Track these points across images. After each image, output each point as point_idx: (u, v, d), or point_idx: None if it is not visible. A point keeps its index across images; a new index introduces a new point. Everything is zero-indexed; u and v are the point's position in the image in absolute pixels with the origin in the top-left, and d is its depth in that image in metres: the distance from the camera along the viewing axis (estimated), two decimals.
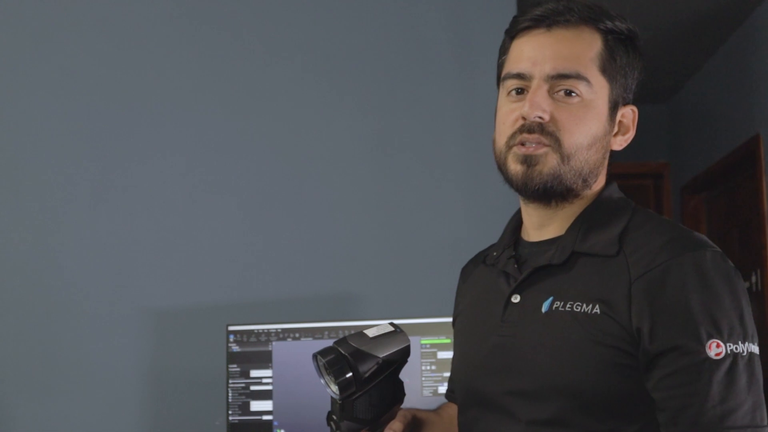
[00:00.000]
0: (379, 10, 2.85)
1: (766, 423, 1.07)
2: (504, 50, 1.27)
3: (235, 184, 2.74)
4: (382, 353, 1.20)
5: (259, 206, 2.74)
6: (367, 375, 1.19)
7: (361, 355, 1.19)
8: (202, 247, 2.70)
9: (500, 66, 1.27)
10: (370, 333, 1.23)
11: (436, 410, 1.41)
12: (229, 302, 2.66)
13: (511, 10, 2.87)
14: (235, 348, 2.32)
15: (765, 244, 3.60)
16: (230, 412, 2.31)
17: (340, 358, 1.19)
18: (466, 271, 1.43)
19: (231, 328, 2.33)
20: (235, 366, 2.31)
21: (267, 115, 2.78)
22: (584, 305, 1.12)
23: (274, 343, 2.29)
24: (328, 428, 1.27)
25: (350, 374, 1.18)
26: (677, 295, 1.07)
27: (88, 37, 2.78)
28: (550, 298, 1.17)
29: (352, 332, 1.25)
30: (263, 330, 2.31)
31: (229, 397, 2.31)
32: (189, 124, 2.76)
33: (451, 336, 1.64)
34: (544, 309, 1.17)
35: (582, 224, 1.20)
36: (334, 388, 1.19)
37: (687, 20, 3.71)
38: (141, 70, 2.77)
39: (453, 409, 1.39)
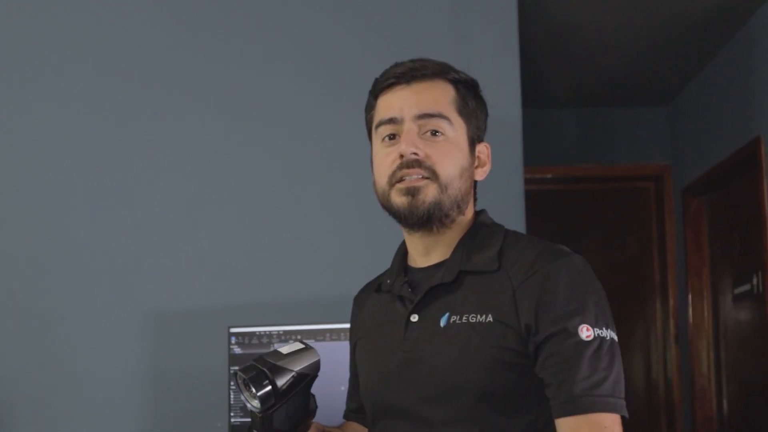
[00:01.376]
0: (376, 13, 2.86)
1: (623, 396, 1.27)
2: (370, 107, 1.48)
3: (236, 187, 2.75)
4: (296, 367, 1.33)
5: (259, 208, 2.74)
6: (284, 387, 1.30)
7: (277, 370, 1.31)
8: (203, 249, 2.71)
9: (369, 121, 1.48)
10: (284, 350, 1.35)
11: (341, 426, 1.54)
12: (230, 304, 2.66)
13: (512, 16, 2.87)
14: (237, 350, 2.32)
15: (766, 246, 3.59)
16: (232, 414, 2.31)
17: (260, 373, 1.30)
18: (360, 300, 1.57)
19: (232, 330, 2.34)
20: (236, 368, 2.31)
21: (264, 119, 2.79)
22: (479, 316, 1.30)
23: (275, 345, 2.29)
24: None
25: (270, 388, 1.29)
26: (554, 293, 1.28)
27: (86, 44, 2.79)
28: (447, 314, 1.33)
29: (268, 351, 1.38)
30: (265, 332, 2.32)
31: (231, 399, 2.32)
32: (188, 129, 2.77)
33: None
34: (442, 324, 1.33)
35: (464, 247, 1.39)
36: (255, 402, 1.30)
37: (687, 22, 3.71)
38: (138, 76, 2.78)
39: (354, 427, 1.55)
